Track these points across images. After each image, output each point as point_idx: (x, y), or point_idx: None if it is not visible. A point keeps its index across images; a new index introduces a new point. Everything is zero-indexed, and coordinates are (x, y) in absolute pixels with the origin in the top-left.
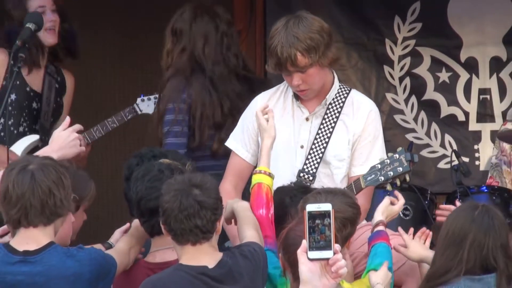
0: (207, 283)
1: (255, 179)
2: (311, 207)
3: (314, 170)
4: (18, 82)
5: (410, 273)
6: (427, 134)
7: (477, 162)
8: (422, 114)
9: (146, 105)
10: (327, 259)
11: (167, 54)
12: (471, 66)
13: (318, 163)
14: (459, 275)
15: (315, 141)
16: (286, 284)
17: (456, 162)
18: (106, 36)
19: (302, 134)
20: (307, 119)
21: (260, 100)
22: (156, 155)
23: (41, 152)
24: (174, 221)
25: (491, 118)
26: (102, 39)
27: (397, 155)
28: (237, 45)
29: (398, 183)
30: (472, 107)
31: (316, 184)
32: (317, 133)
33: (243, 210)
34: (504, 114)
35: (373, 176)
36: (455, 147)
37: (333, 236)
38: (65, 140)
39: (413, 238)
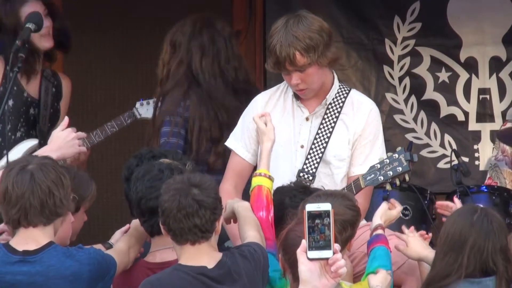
0: (206, 284)
1: (255, 181)
2: (310, 207)
3: (314, 170)
4: (15, 88)
5: (409, 273)
6: (427, 134)
7: (476, 162)
8: (422, 114)
9: (145, 110)
10: (327, 258)
11: (163, 65)
12: (471, 66)
13: (318, 163)
14: (459, 279)
15: (315, 141)
16: (286, 285)
17: (455, 162)
18: (106, 36)
19: (302, 134)
20: (307, 119)
21: (260, 100)
22: (155, 155)
23: (40, 152)
24: (173, 220)
25: (491, 118)
26: (102, 39)
27: (396, 155)
28: (238, 57)
29: (398, 183)
30: (471, 107)
31: (316, 184)
32: (317, 133)
33: (244, 210)
34: (503, 114)
35: (372, 176)
36: (454, 147)
37: (332, 236)
38: (63, 140)
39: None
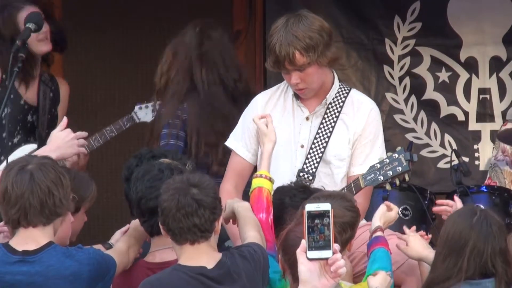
0: (205, 284)
1: (256, 183)
2: (310, 207)
3: (314, 170)
4: (12, 96)
5: (409, 273)
6: (427, 133)
7: (476, 162)
8: (422, 114)
9: (144, 113)
10: (326, 258)
11: (161, 74)
12: (471, 65)
13: (318, 162)
14: (459, 282)
15: (315, 141)
16: (286, 286)
17: (456, 162)
18: (106, 36)
19: (302, 133)
20: (307, 118)
21: (260, 99)
22: (155, 155)
23: (39, 152)
24: (172, 220)
25: (491, 118)
26: (102, 39)
27: (396, 155)
28: (237, 66)
29: (398, 182)
30: (471, 107)
31: (316, 184)
32: (317, 133)
33: (244, 210)
34: (504, 114)
35: (372, 175)
36: (454, 146)
37: (332, 236)
38: (62, 140)
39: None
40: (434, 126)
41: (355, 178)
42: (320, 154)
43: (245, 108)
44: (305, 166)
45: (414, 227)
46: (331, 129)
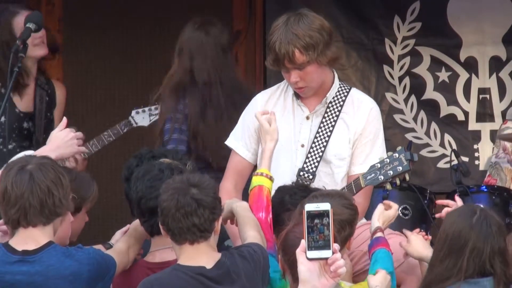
0: (204, 284)
1: (256, 181)
2: (309, 207)
3: (314, 169)
4: (7, 105)
5: (409, 272)
6: (427, 133)
7: (476, 162)
8: (422, 114)
9: (141, 118)
10: (326, 258)
11: (171, 77)
12: (471, 65)
13: (318, 162)
14: (459, 281)
15: (315, 140)
16: (286, 286)
17: (455, 162)
18: (106, 36)
19: (302, 132)
20: (307, 117)
21: (260, 99)
22: (155, 156)
23: (38, 152)
24: (171, 220)
25: (491, 118)
26: (102, 39)
27: (396, 154)
28: (232, 65)
29: (398, 182)
30: (471, 107)
31: (317, 183)
32: (317, 132)
33: (243, 210)
34: (503, 113)
35: (372, 175)
36: (454, 146)
37: (332, 236)
38: (62, 140)
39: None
40: (434, 126)
41: (356, 177)
42: (321, 154)
43: (240, 104)
44: (305, 166)
45: (417, 229)
46: (331, 128)
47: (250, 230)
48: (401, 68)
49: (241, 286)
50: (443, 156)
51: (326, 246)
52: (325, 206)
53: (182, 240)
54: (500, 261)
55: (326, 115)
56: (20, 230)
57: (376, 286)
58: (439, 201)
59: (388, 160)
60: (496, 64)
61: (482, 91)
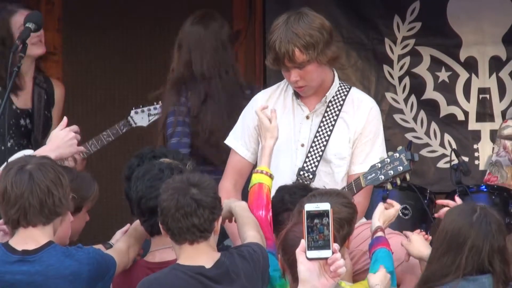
0: (203, 283)
1: (256, 178)
2: (309, 207)
3: (314, 169)
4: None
5: (409, 271)
6: (427, 133)
7: (476, 162)
8: (422, 114)
9: (140, 118)
10: (326, 258)
11: (172, 71)
12: (471, 65)
13: (318, 161)
14: (457, 278)
15: (315, 139)
16: (286, 285)
17: (455, 162)
18: (106, 36)
19: (302, 132)
20: (307, 117)
21: (260, 98)
22: (156, 156)
23: (38, 152)
24: (171, 220)
25: (491, 118)
26: (102, 39)
27: (397, 154)
28: (232, 60)
29: (398, 182)
30: (471, 107)
31: (317, 183)
32: (317, 131)
33: (242, 210)
34: (503, 113)
35: (373, 175)
36: (454, 146)
37: (331, 236)
38: (62, 140)
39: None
40: (433, 125)
41: (356, 177)
42: (321, 153)
43: (239, 99)
44: (305, 165)
45: (418, 230)
46: (331, 128)
47: (250, 230)
48: (401, 68)
49: (241, 285)
50: (443, 156)
51: (326, 246)
52: (325, 206)
53: (182, 240)
54: (500, 260)
55: (326, 114)
56: (20, 230)
57: (376, 285)
58: (439, 201)
59: (388, 160)
60: (496, 64)
61: (482, 91)
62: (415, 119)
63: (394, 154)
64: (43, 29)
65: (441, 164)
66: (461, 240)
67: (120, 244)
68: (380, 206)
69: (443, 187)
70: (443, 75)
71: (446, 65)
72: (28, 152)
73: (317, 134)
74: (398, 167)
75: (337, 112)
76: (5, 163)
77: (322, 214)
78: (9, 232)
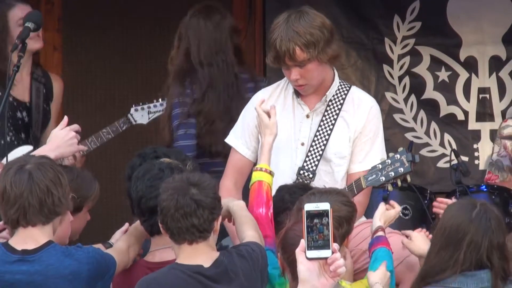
0: (202, 282)
1: (256, 176)
2: (309, 206)
3: (314, 168)
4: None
5: (409, 269)
6: (427, 133)
7: (476, 161)
8: (422, 113)
9: (140, 115)
10: (326, 258)
11: (171, 60)
12: (471, 65)
13: (318, 160)
14: (455, 274)
15: (315, 138)
16: (285, 284)
17: (455, 161)
18: (106, 36)
19: (302, 131)
20: (307, 116)
21: (260, 97)
22: (158, 156)
23: (38, 151)
24: (171, 220)
25: (491, 117)
26: (102, 39)
27: (398, 155)
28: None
29: (399, 183)
30: (471, 106)
31: (317, 182)
32: (317, 130)
33: (240, 209)
34: (503, 113)
35: (374, 176)
36: (454, 146)
37: (331, 235)
38: (62, 139)
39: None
40: (433, 125)
41: (357, 178)
42: (321, 152)
43: (233, 89)
44: (305, 164)
45: (419, 229)
46: (331, 127)
47: (248, 229)
48: (401, 67)
49: (239, 285)
50: (443, 155)
51: (326, 246)
52: (325, 206)
53: (181, 240)
54: (498, 256)
55: (326, 113)
56: (19, 230)
57: (376, 283)
58: (438, 199)
59: (389, 161)
60: (496, 64)
61: (482, 90)
62: (415, 118)
63: (395, 155)
64: (43, 29)
65: (441, 164)
66: (460, 236)
67: (120, 244)
68: (382, 206)
69: (443, 186)
70: (443, 75)
71: (446, 65)
72: (28, 148)
73: (317, 133)
74: (399, 169)
75: (337, 111)
76: (5, 163)
77: (322, 214)
78: (9, 232)
